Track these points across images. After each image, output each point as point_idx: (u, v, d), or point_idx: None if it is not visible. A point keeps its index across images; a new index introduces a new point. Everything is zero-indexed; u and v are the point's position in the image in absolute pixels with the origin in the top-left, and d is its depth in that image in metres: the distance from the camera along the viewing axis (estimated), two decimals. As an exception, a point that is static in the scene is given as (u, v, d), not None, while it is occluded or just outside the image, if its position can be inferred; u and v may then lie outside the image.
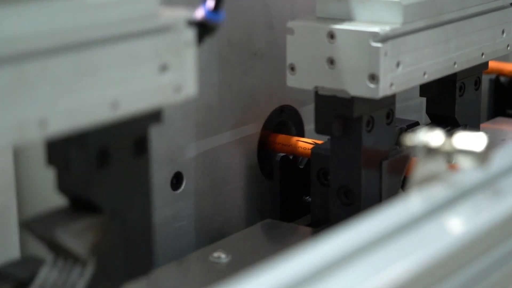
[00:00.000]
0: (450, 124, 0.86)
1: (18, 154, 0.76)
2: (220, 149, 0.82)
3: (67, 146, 0.53)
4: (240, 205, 0.85)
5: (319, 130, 0.74)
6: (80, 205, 0.55)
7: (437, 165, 0.55)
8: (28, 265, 0.57)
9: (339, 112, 0.72)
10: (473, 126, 0.88)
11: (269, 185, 0.86)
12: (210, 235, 0.81)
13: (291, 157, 0.85)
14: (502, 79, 1.11)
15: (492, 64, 1.09)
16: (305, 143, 0.84)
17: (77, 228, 0.54)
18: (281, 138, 0.86)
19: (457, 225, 0.51)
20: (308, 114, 0.89)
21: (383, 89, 0.70)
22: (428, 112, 0.87)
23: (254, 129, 0.85)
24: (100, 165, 0.54)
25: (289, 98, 0.88)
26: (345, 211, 0.75)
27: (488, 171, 0.56)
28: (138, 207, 0.57)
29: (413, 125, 0.85)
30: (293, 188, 0.85)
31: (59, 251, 0.55)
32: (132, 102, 0.53)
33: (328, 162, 0.78)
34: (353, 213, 0.74)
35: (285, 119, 0.88)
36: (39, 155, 0.69)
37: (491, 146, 0.54)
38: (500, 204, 0.53)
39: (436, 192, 0.53)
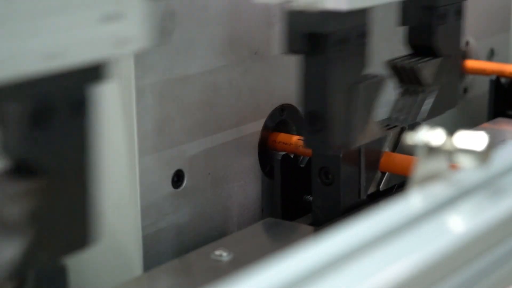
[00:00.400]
0: (430, 55, 0.83)
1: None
2: (221, 147, 0.82)
3: (1, 101, 0.50)
4: (242, 203, 0.85)
5: (290, 50, 0.71)
6: (19, 167, 0.52)
7: (438, 164, 0.55)
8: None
9: (309, 29, 0.69)
10: (454, 56, 0.85)
11: (270, 184, 0.86)
12: (211, 233, 0.82)
13: (291, 156, 0.85)
14: (503, 80, 1.11)
15: (493, 66, 1.10)
16: (306, 142, 0.84)
17: (12, 191, 0.51)
18: (282, 137, 0.86)
19: (458, 224, 0.51)
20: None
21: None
22: (409, 42, 0.84)
23: (255, 127, 0.85)
24: (37, 123, 0.51)
25: (290, 97, 0.88)
26: (315, 138, 0.72)
27: (489, 170, 0.56)
28: (78, 173, 0.53)
29: (413, 125, 0.85)
30: (294, 187, 0.85)
31: None
32: (69, 54, 0.49)
33: (329, 161, 0.78)
34: (322, 140, 0.71)
35: (286, 118, 0.88)
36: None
37: (492, 145, 0.54)
38: (501, 203, 0.53)
39: (437, 191, 0.53)
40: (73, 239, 0.54)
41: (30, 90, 0.49)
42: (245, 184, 0.85)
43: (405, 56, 0.83)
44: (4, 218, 0.52)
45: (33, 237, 0.52)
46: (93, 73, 0.52)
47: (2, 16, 0.46)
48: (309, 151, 0.82)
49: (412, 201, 0.52)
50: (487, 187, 0.55)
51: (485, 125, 1.03)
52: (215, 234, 0.82)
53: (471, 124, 1.10)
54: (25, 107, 0.50)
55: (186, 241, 0.79)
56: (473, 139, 0.54)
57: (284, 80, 0.87)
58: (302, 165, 0.85)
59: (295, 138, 0.85)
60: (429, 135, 0.55)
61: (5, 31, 0.46)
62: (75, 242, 0.54)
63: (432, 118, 0.83)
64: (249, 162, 0.85)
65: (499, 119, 1.06)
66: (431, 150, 0.54)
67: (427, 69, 0.82)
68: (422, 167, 0.54)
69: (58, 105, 0.51)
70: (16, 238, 0.52)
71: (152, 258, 0.76)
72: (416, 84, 0.82)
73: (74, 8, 0.49)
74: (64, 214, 0.53)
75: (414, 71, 0.81)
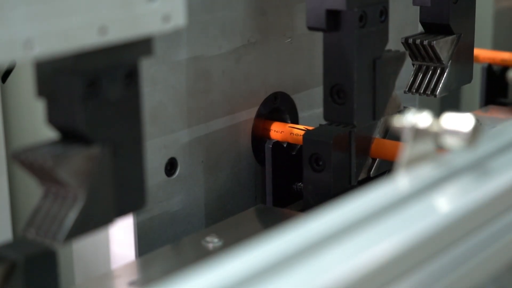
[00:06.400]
0: (444, 33, 0.85)
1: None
2: (214, 135, 0.82)
3: (56, 74, 0.53)
4: (235, 191, 0.85)
5: (310, 25, 0.73)
6: (71, 136, 0.55)
7: (425, 146, 0.55)
8: (20, 247, 0.57)
9: (330, 5, 0.71)
10: (468, 36, 0.87)
11: (263, 171, 0.86)
12: (204, 221, 0.82)
13: (284, 145, 0.85)
14: (495, 67, 1.11)
15: (485, 53, 1.10)
16: (296, 130, 0.84)
17: (68, 157, 0.53)
18: (273, 125, 0.86)
19: (444, 204, 0.51)
20: (301, 101, 0.90)
21: None
22: (422, 21, 0.86)
23: (247, 115, 0.85)
24: (90, 95, 0.54)
25: (283, 85, 0.88)
26: (338, 111, 0.75)
27: (476, 152, 0.56)
28: (130, 140, 0.57)
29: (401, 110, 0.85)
30: (285, 175, 0.85)
31: (50, 184, 0.55)
32: (120, 28, 0.52)
33: (320, 148, 0.78)
34: (346, 112, 0.74)
35: (279, 106, 0.88)
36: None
37: (479, 127, 0.54)
38: (487, 185, 0.53)
39: (424, 172, 0.54)
40: (124, 203, 0.57)
41: (83, 65, 0.53)
42: (238, 172, 0.85)
43: (418, 34, 0.85)
44: (60, 182, 0.54)
45: (87, 200, 0.54)
46: (141, 47, 0.56)
47: None
48: (299, 138, 0.83)
49: (399, 182, 0.53)
50: (474, 168, 0.55)
51: (477, 112, 1.04)
52: (209, 222, 0.82)
53: (463, 111, 1.10)
54: (80, 79, 0.53)
55: (179, 229, 0.79)
56: (460, 121, 0.54)
57: (277, 68, 0.87)
58: (294, 153, 0.85)
59: (286, 126, 0.85)
60: (416, 117, 0.55)
61: (62, 7, 0.49)
62: (127, 206, 0.58)
63: (448, 92, 0.85)
64: (243, 150, 0.85)
65: (491, 107, 1.06)
66: (418, 132, 0.55)
67: (443, 45, 0.83)
68: (409, 149, 0.55)
69: (109, 78, 0.54)
70: (71, 202, 0.54)
71: (146, 246, 0.76)
72: (431, 61, 0.84)
73: None
74: (115, 179, 0.56)
75: (430, 47, 0.82)
